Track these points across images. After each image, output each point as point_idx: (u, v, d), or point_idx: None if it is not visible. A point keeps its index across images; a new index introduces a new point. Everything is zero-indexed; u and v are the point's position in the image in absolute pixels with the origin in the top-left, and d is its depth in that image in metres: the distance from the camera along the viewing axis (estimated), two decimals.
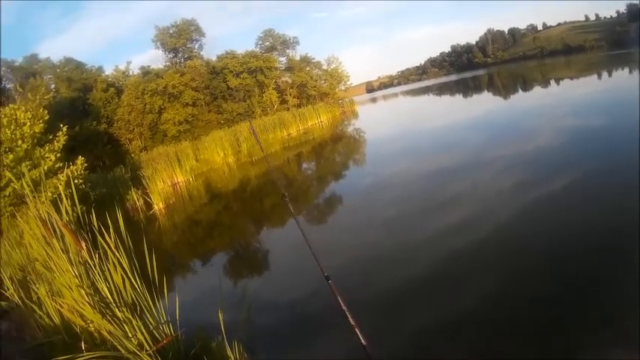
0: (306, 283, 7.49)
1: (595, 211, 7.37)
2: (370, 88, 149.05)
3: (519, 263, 6.46)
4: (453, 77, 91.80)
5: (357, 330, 2.31)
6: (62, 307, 4.93)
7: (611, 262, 5.64)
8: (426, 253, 7.76)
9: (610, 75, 27.12)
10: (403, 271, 7.26)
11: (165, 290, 5.03)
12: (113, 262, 4.72)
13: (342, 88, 57.22)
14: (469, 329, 5.22)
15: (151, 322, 4.94)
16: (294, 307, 7.11)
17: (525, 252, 6.76)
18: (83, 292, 4.68)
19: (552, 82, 35.66)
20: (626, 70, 26.99)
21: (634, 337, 3.90)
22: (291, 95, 51.55)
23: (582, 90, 24.03)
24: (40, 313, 5.31)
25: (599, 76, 28.29)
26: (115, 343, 4.39)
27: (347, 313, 2.40)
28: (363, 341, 2.22)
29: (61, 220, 5.02)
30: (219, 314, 4.60)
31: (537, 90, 34.30)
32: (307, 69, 54.82)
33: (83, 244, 4.72)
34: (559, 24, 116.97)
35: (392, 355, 4.99)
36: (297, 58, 55.29)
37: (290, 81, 53.14)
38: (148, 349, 4.45)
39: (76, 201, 5.70)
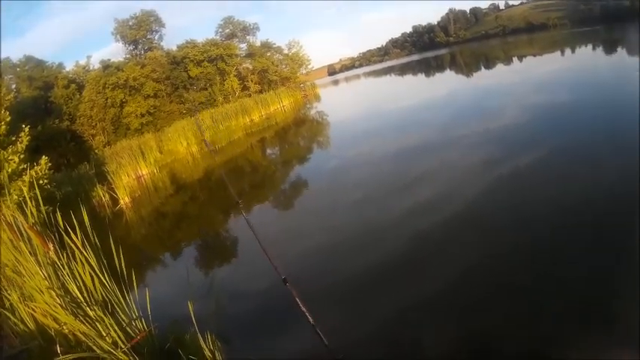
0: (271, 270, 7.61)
1: (561, 188, 7.58)
2: (332, 70, 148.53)
3: (486, 244, 6.61)
4: (415, 57, 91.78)
5: (317, 330, 2.32)
6: (35, 312, 4.78)
7: (576, 238, 5.89)
8: (392, 235, 7.89)
9: (573, 52, 27.41)
10: (368, 256, 7.36)
11: (136, 285, 5.00)
12: (81, 260, 4.69)
13: (304, 72, 57.27)
14: (435, 314, 5.31)
15: (123, 319, 4.91)
16: (264, 293, 7.13)
17: (492, 232, 6.94)
18: (54, 293, 4.59)
19: (515, 59, 35.81)
20: (590, 47, 27.37)
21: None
22: (252, 81, 51.53)
23: (547, 67, 24.19)
24: (15, 319, 5.06)
25: (563, 53, 28.51)
26: (90, 344, 4.34)
27: (307, 313, 2.39)
28: (325, 341, 2.19)
29: (27, 222, 5.03)
30: (190, 306, 4.58)
31: (500, 67, 34.44)
32: (268, 54, 54.71)
33: (50, 245, 4.69)
34: (522, 3, 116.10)
35: (355, 343, 5.04)
36: (258, 44, 55.16)
37: (251, 67, 53.04)
38: (122, 346, 4.39)
39: (40, 202, 5.89)
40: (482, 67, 38.57)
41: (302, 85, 54.14)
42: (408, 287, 6.05)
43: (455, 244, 6.92)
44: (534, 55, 34.76)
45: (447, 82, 34.60)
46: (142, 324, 5.00)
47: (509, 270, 5.76)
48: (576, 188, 7.40)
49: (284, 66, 55.11)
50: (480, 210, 7.86)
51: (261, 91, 49.87)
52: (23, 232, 4.88)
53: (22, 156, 13.66)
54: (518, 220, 7.05)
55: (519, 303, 4.99)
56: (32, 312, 4.82)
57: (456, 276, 5.92)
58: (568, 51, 28.25)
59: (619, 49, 22.52)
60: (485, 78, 30.33)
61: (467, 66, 43.76)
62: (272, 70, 52.64)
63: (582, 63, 21.78)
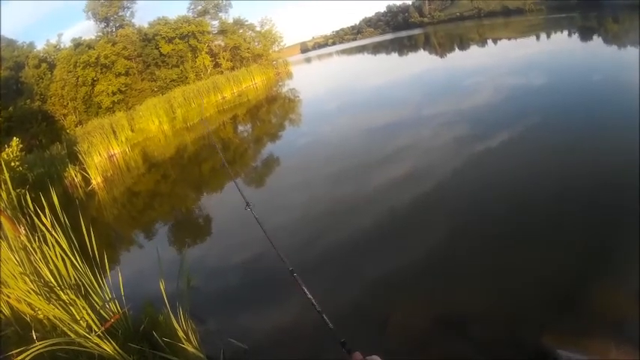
0: (249, 246, 7.69)
1: (534, 167, 7.87)
2: (305, 48, 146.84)
3: (462, 215, 6.93)
4: (389, 36, 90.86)
5: (324, 316, 2.12)
6: (10, 298, 4.93)
7: (543, 216, 6.12)
8: (368, 210, 8.11)
9: (549, 37, 27.40)
10: (345, 231, 7.54)
11: (108, 267, 5.12)
12: (52, 243, 4.69)
13: (276, 49, 56.87)
14: (416, 286, 5.49)
15: (97, 302, 4.92)
16: (237, 271, 7.38)
17: (470, 204, 7.28)
18: (27, 279, 4.60)
19: (490, 42, 35.76)
20: (565, 33, 27.37)
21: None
22: (224, 58, 51.15)
23: (521, 51, 24.37)
24: None
25: (538, 37, 28.55)
26: (65, 329, 4.34)
27: (313, 301, 2.21)
28: (330, 325, 2.06)
29: None
30: (162, 287, 4.51)
31: (474, 49, 34.41)
32: (240, 31, 54.12)
33: (21, 229, 4.75)
34: None
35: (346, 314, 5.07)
36: (230, 21, 54.59)
37: (223, 44, 52.53)
38: (96, 330, 4.37)
39: (10, 185, 6.07)
40: (457, 49, 38.31)
41: (274, 62, 53.90)
42: (388, 258, 6.27)
43: (431, 217, 7.23)
44: (509, 39, 34.72)
45: (420, 61, 34.57)
46: (116, 306, 5.05)
47: (484, 235, 6.15)
48: (550, 165, 7.77)
49: (256, 43, 54.68)
50: (454, 184, 8.20)
51: (233, 68, 49.52)
52: None
53: None
54: (489, 192, 7.46)
55: (499, 275, 5.20)
56: (7, 298, 4.99)
57: (435, 247, 6.19)
58: (543, 35, 28.26)
59: (594, 36, 22.58)
60: (458, 58, 30.35)
61: (441, 46, 43.56)
62: (244, 47, 52.24)
63: (557, 48, 21.66)
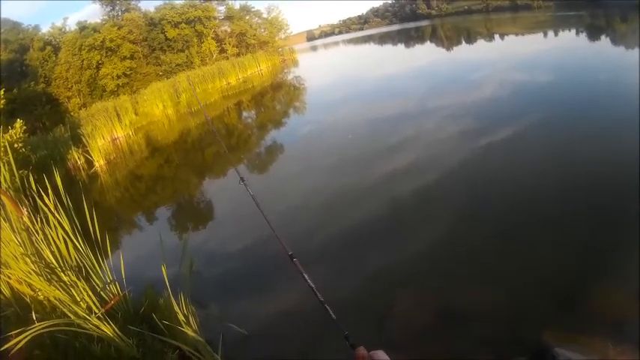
0: (251, 232, 7.63)
1: (536, 164, 7.79)
2: (311, 36, 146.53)
3: (462, 211, 6.85)
4: (395, 27, 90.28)
5: (326, 306, 2.05)
6: (10, 279, 4.90)
7: (543, 215, 6.04)
8: (369, 201, 8.06)
9: (556, 35, 27.00)
10: (349, 220, 7.53)
11: (110, 249, 4.99)
12: (54, 224, 4.63)
13: (282, 36, 56.79)
14: (417, 279, 5.48)
15: (97, 284, 4.88)
16: (238, 257, 7.36)
17: (466, 200, 7.23)
18: (29, 260, 4.56)
19: (497, 37, 35.20)
20: (573, 31, 26.99)
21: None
22: (230, 44, 51.00)
23: (529, 47, 23.76)
24: None
25: (545, 35, 28.12)
26: (65, 310, 4.29)
27: (315, 290, 2.14)
28: (333, 316, 1.98)
29: (0, 187, 5.00)
30: (163, 269, 4.40)
31: (481, 43, 33.97)
32: (247, 18, 54.01)
33: (24, 210, 4.70)
34: None
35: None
36: (237, 7, 54.39)
37: (229, 30, 52.37)
38: (96, 311, 4.33)
39: (14, 167, 6.03)
40: (464, 42, 37.90)
41: (280, 49, 53.78)
42: (392, 249, 6.26)
43: (434, 209, 7.21)
44: (516, 35, 34.24)
45: (427, 53, 34.21)
46: (117, 288, 5.04)
47: (486, 230, 6.13)
48: (551, 163, 7.68)
49: (262, 30, 54.59)
50: (456, 179, 8.15)
51: (238, 55, 49.41)
52: None
53: None
54: (493, 189, 7.39)
55: (499, 273, 5.18)
56: (7, 279, 4.96)
57: (439, 239, 6.17)
58: (551, 33, 27.87)
59: (602, 36, 22.22)
60: (465, 52, 29.95)
61: (448, 39, 43.23)
62: (250, 34, 52.11)
63: (565, 46, 21.20)
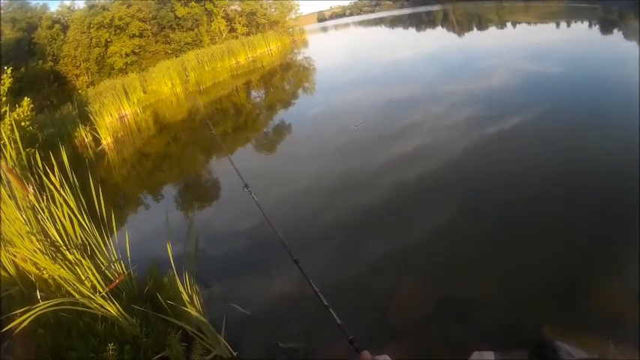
0: (258, 213, 7.63)
1: (544, 151, 7.92)
2: (322, 17, 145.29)
3: (469, 193, 7.03)
4: (407, 10, 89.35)
5: (331, 310, 2.12)
6: (15, 257, 4.89)
7: (543, 214, 6.02)
8: (373, 186, 8.10)
9: (569, 26, 26.58)
10: (354, 204, 7.59)
11: (115, 227, 5.01)
12: (60, 202, 4.62)
13: (293, 16, 56.35)
14: (420, 268, 5.51)
15: (102, 262, 4.91)
16: (245, 238, 7.31)
17: (475, 183, 7.36)
18: (34, 238, 4.55)
19: (509, 25, 34.68)
20: (586, 23, 26.53)
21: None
22: (240, 24, 50.71)
23: (541, 37, 23.82)
24: None
25: (558, 25, 27.65)
26: (69, 289, 4.28)
27: (319, 294, 2.22)
28: (338, 321, 2.03)
29: (7, 165, 4.96)
30: (168, 248, 4.39)
31: (493, 31, 33.69)
32: None
33: (30, 188, 4.69)
34: None
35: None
36: None
37: (239, 9, 52.03)
38: (101, 290, 4.33)
39: (20, 144, 5.98)
40: (475, 28, 37.44)
41: (290, 29, 53.48)
42: (394, 235, 6.33)
43: (439, 195, 7.29)
44: (528, 24, 33.74)
45: (438, 39, 33.88)
46: (121, 267, 5.04)
47: (490, 219, 6.20)
48: (558, 151, 7.78)
49: (273, 9, 54.14)
50: (462, 163, 8.22)
51: (248, 34, 49.10)
52: (2, 175, 4.88)
53: (4, 98, 13.55)
54: (501, 175, 7.50)
55: (499, 269, 5.18)
56: (12, 257, 4.97)
57: (442, 226, 6.23)
58: (563, 24, 27.45)
59: (615, 30, 21.86)
60: (477, 39, 29.71)
61: (459, 25, 42.80)
62: (260, 13, 51.73)
63: (577, 38, 21.07)
